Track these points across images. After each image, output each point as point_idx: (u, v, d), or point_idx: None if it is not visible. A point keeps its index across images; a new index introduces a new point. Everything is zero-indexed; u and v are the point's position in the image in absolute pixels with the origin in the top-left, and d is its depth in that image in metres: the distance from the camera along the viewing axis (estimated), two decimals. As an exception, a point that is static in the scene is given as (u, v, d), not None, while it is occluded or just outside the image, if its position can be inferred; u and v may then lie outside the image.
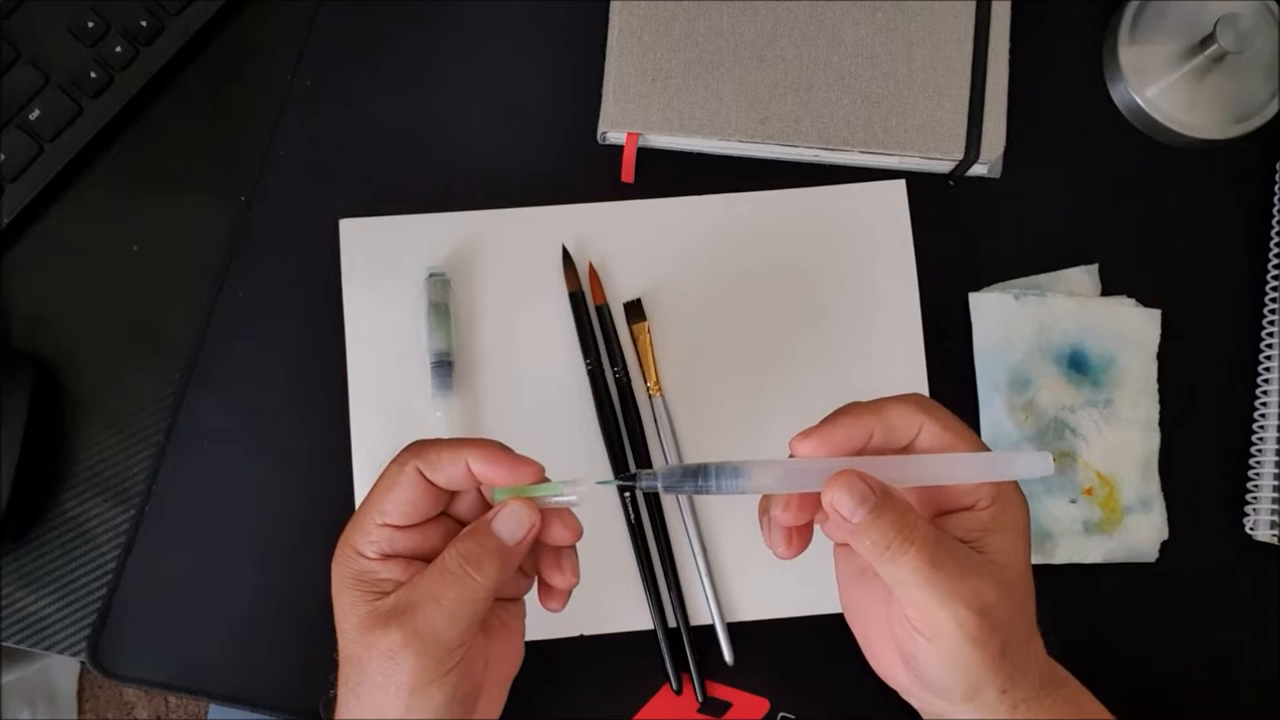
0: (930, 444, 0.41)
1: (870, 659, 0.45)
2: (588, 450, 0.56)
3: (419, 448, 0.42)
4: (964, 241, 0.59)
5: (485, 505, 0.44)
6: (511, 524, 0.41)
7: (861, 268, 0.58)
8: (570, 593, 0.44)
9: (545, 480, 0.42)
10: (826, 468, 0.40)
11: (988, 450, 0.42)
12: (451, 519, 0.44)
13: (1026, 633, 0.41)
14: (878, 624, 0.44)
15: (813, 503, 0.41)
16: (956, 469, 0.41)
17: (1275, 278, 0.58)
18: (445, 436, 0.43)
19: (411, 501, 0.41)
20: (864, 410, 0.41)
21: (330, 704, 0.44)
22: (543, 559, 0.44)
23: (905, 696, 0.44)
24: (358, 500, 0.55)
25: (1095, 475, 0.57)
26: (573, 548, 0.44)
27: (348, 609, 0.41)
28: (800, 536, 0.43)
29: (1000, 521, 0.41)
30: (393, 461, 0.42)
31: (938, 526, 0.41)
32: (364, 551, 0.41)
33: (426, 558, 0.42)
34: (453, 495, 0.44)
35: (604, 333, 0.57)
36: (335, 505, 0.55)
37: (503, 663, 0.46)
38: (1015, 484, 0.42)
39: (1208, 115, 0.59)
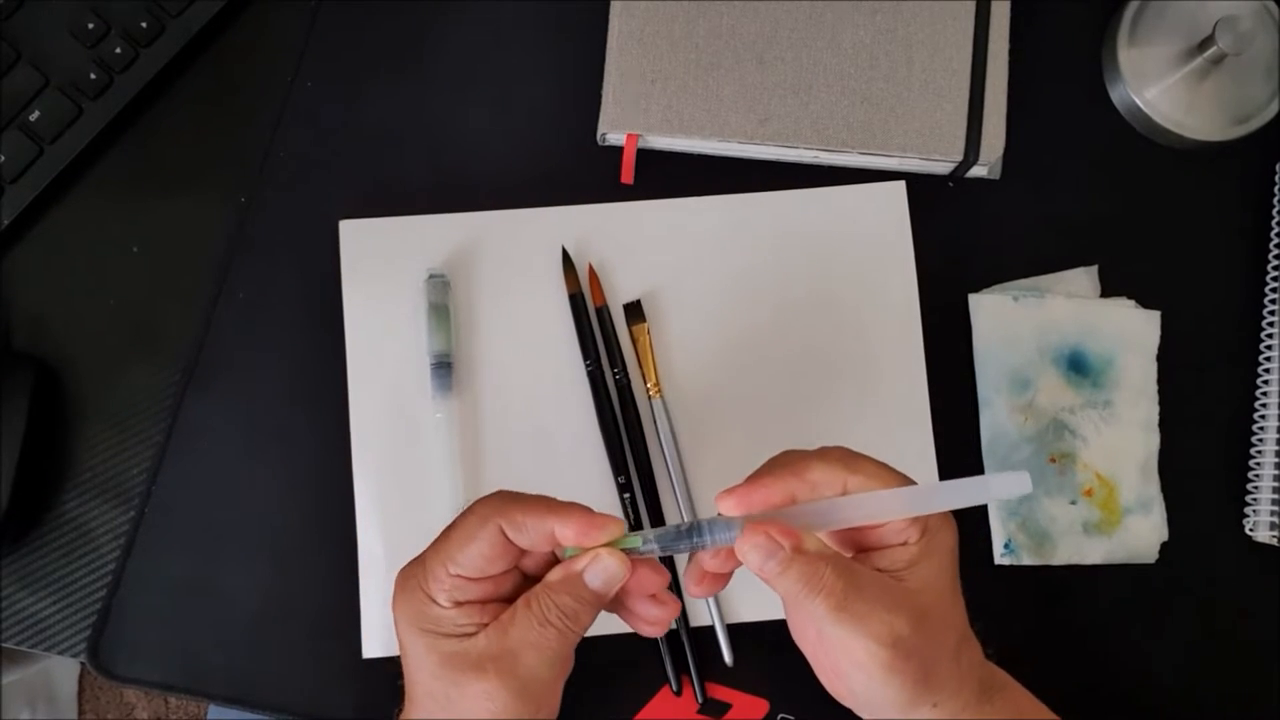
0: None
1: (820, 678, 0.46)
2: (587, 452, 0.56)
3: (502, 505, 0.42)
4: (963, 243, 0.59)
5: (550, 556, 0.44)
6: (604, 576, 0.41)
7: (861, 269, 0.58)
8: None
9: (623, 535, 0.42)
10: (804, 513, 0.41)
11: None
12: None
13: (956, 648, 0.42)
14: (816, 646, 0.45)
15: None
16: (906, 504, 0.42)
17: (1275, 278, 0.58)
18: (528, 493, 0.43)
19: (488, 558, 0.41)
20: (786, 472, 0.42)
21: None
22: (634, 600, 0.44)
23: (859, 713, 0.45)
24: (358, 501, 0.55)
25: (1095, 476, 0.57)
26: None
27: (427, 649, 0.41)
28: (715, 580, 0.44)
29: (927, 549, 0.42)
30: (472, 514, 0.42)
31: (865, 560, 0.42)
32: (437, 599, 0.42)
33: (498, 600, 0.42)
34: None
35: (604, 334, 0.57)
36: (335, 506, 0.55)
37: (565, 673, 0.46)
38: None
39: (1207, 117, 0.59)
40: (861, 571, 0.41)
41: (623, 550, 0.42)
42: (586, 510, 0.42)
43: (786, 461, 0.43)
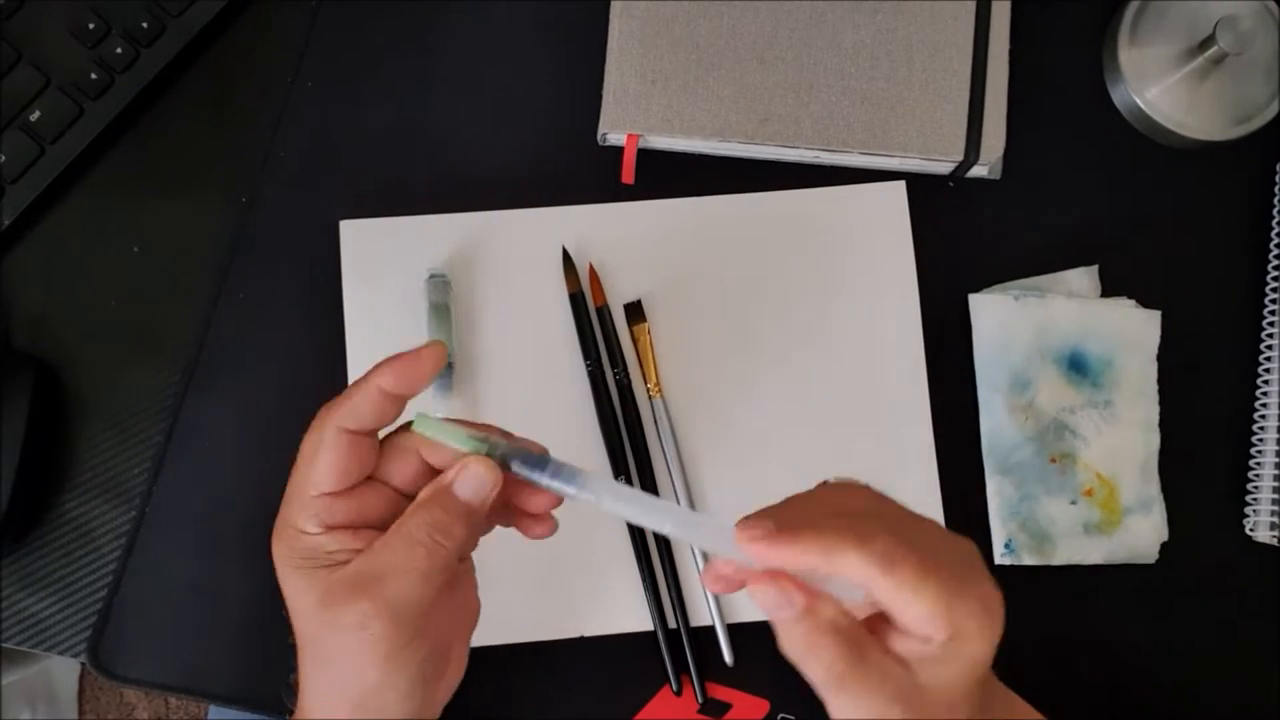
0: (879, 600, 0.37)
1: None
2: (588, 451, 0.56)
3: (330, 406, 0.41)
4: (964, 243, 0.59)
5: (423, 471, 0.43)
6: (473, 484, 0.40)
7: (861, 269, 0.58)
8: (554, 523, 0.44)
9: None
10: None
11: (956, 596, 0.37)
12: (387, 487, 0.43)
13: None
14: None
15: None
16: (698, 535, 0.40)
17: (1275, 278, 0.58)
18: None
19: (340, 463, 0.40)
20: (816, 546, 0.37)
21: (292, 688, 0.43)
22: (517, 515, 0.44)
23: None
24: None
25: (1095, 476, 0.57)
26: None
27: (305, 589, 0.40)
28: (729, 584, 0.41)
29: (950, 654, 0.37)
30: (310, 431, 0.41)
31: (885, 632, 0.39)
32: (305, 528, 0.40)
33: (371, 525, 0.41)
34: (382, 453, 0.42)
35: (604, 334, 0.57)
36: (335, 506, 0.55)
37: (465, 618, 0.45)
38: (989, 616, 0.38)
39: (1207, 117, 0.59)
40: (870, 650, 0.38)
41: (527, 473, 0.41)
42: (402, 354, 0.40)
43: (823, 530, 0.38)
